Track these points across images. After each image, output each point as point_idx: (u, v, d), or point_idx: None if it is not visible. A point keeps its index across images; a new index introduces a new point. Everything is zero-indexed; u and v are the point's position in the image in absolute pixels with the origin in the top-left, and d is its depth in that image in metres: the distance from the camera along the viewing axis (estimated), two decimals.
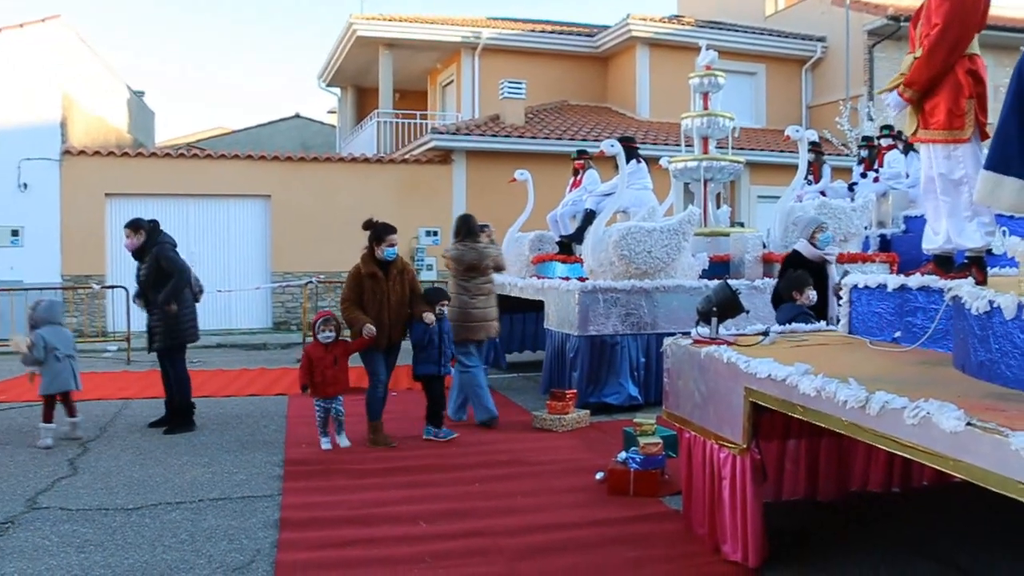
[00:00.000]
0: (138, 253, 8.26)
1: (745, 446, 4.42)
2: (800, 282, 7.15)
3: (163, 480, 6.34)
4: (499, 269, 8.77)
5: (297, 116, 33.69)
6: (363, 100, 27.20)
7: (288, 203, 18.09)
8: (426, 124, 22.00)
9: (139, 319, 14.67)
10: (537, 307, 10.67)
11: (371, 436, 7.50)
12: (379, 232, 7.40)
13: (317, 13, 78.01)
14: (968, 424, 2.88)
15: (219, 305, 17.42)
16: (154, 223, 8.39)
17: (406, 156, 19.73)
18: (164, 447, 7.39)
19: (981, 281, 4.54)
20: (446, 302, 7.77)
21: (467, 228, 8.45)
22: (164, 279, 8.07)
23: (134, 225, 8.27)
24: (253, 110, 73.60)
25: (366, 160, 19.11)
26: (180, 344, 8.28)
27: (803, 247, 7.90)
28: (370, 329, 7.15)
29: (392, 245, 7.44)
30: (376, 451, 7.16)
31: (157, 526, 5.27)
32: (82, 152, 17.18)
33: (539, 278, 10.92)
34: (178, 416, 8.20)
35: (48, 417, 7.56)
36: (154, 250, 8.17)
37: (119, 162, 17.44)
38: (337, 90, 27.60)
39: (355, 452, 7.14)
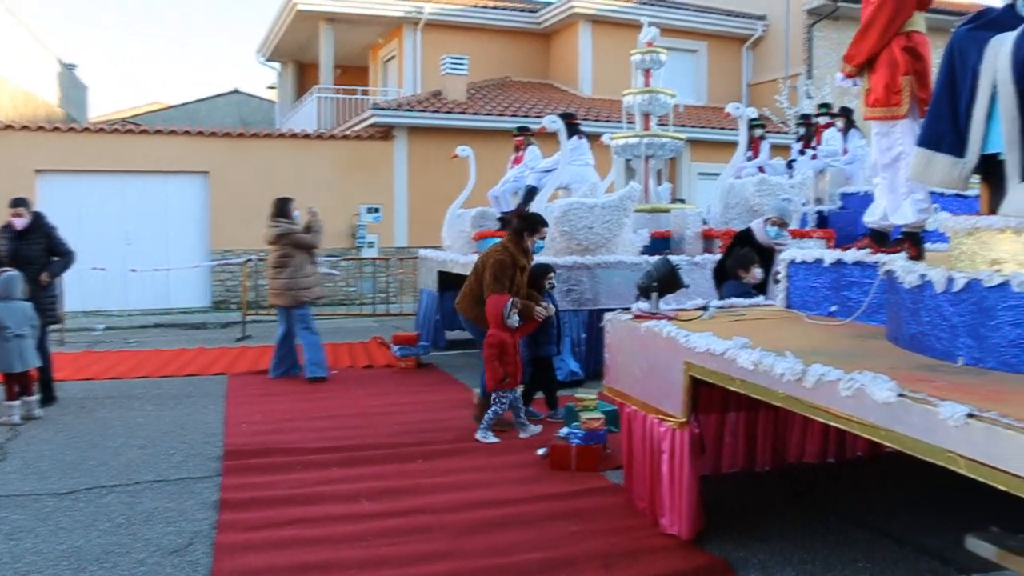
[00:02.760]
0: (23, 231, 8.44)
1: (684, 420, 4.47)
2: (746, 260, 7.21)
3: (98, 463, 6.21)
4: (298, 246, 9.31)
5: (236, 91, 33.15)
6: (303, 75, 26.82)
7: (227, 180, 17.77)
8: (367, 100, 21.77)
9: (73, 300, 14.46)
10: None
11: (479, 412, 7.17)
12: (534, 223, 7.14)
13: None
14: (900, 395, 2.94)
15: (156, 284, 17.13)
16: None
17: (347, 132, 19.51)
18: (99, 429, 7.24)
19: (915, 256, 4.63)
20: (553, 274, 7.56)
21: (276, 209, 9.45)
22: (45, 258, 8.36)
23: (24, 203, 8.54)
24: (190, 85, 72.17)
25: (306, 136, 18.84)
26: (52, 322, 8.56)
27: (758, 228, 7.92)
28: (541, 311, 6.91)
29: (543, 237, 7.32)
30: (317, 431, 7.08)
31: (91, 510, 5.17)
32: (9, 127, 16.65)
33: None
34: (47, 390, 8.37)
35: (10, 395, 7.52)
36: (45, 230, 8.47)
37: (50, 137, 16.94)
38: (277, 65, 27.19)
39: (296, 431, 7.06)
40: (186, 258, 17.30)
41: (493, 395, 6.78)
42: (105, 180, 17.12)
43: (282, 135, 18.96)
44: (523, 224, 7.13)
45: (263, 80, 48.64)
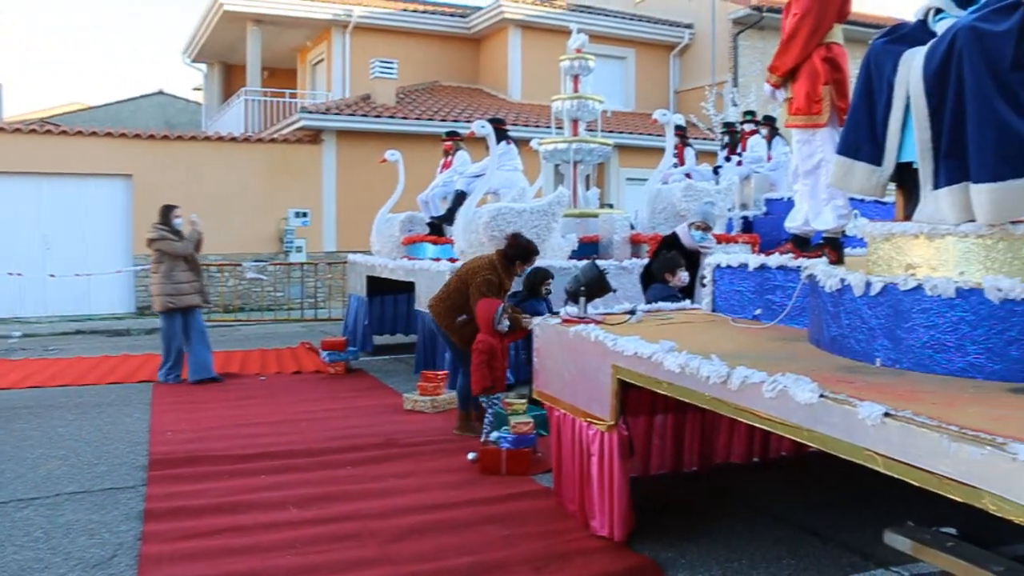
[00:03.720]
0: None
1: (613, 422, 4.51)
2: (672, 264, 7.30)
3: (14, 475, 6.01)
4: (166, 252, 9.56)
5: (161, 92, 32.44)
6: (230, 77, 26.44)
7: (151, 183, 17.38)
8: (295, 103, 21.54)
9: None
10: (408, 289, 10.65)
11: (461, 424, 7.22)
12: (529, 254, 7.13)
13: None
14: (821, 396, 3.02)
15: (77, 289, 16.71)
16: None
17: (275, 136, 19.30)
18: (15, 440, 7.02)
19: (835, 261, 4.76)
20: (551, 280, 7.61)
21: (159, 215, 9.84)
22: None
23: None
24: (113, 85, 70.37)
25: (233, 139, 18.59)
26: None
27: (683, 232, 8.04)
28: (528, 321, 6.81)
29: (532, 265, 7.35)
30: (244, 438, 6.98)
31: (7, 524, 5.00)
32: None
33: (410, 259, 10.87)
34: None
35: None
36: None
37: None
38: (203, 66, 26.72)
39: (223, 439, 6.95)
40: (108, 263, 16.90)
41: (483, 400, 6.69)
42: (22, 182, 16.67)
43: (208, 138, 18.70)
44: (518, 252, 7.07)
45: (189, 81, 47.69)
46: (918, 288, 3.44)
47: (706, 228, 7.93)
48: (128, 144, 17.53)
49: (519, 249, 7.08)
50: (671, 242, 8.02)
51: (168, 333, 9.63)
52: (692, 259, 7.72)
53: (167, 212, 9.77)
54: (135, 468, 6.20)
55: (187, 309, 9.58)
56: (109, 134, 17.48)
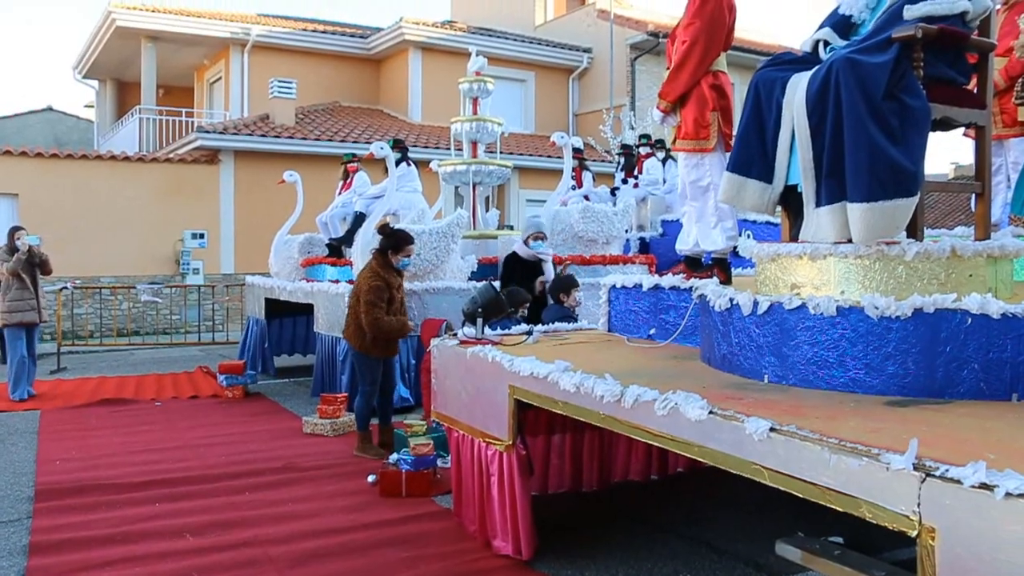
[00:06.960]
0: None
1: (511, 442, 4.55)
2: (567, 285, 7.41)
3: None
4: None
5: (50, 109, 31.41)
6: (124, 94, 25.74)
7: (39, 203, 16.79)
8: (192, 122, 21.12)
9: None
10: (307, 310, 10.53)
11: (360, 446, 7.11)
12: (399, 241, 7.03)
13: None
14: (710, 413, 3.11)
15: None
16: None
17: (171, 155, 18.87)
18: None
19: (724, 281, 4.90)
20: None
21: (7, 235, 10.14)
22: None
23: None
24: None
25: (127, 158, 18.10)
26: None
27: (519, 248, 8.28)
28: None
29: (409, 255, 7.19)
30: (138, 465, 6.78)
31: None
32: None
33: (309, 281, 10.76)
34: None
35: None
36: None
37: None
38: (95, 83, 25.97)
39: (116, 467, 6.73)
40: None
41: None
42: None
43: (100, 156, 18.16)
44: (388, 242, 7.06)
45: (80, 98, 46.22)
46: (802, 307, 3.56)
47: (543, 237, 8.28)
48: (14, 162, 16.90)
49: (387, 239, 7.09)
50: (514, 259, 8.26)
51: (10, 349, 10.05)
52: (535, 269, 8.04)
53: (11, 233, 10.22)
54: (20, 500, 5.96)
55: (28, 326, 10.03)
56: None
